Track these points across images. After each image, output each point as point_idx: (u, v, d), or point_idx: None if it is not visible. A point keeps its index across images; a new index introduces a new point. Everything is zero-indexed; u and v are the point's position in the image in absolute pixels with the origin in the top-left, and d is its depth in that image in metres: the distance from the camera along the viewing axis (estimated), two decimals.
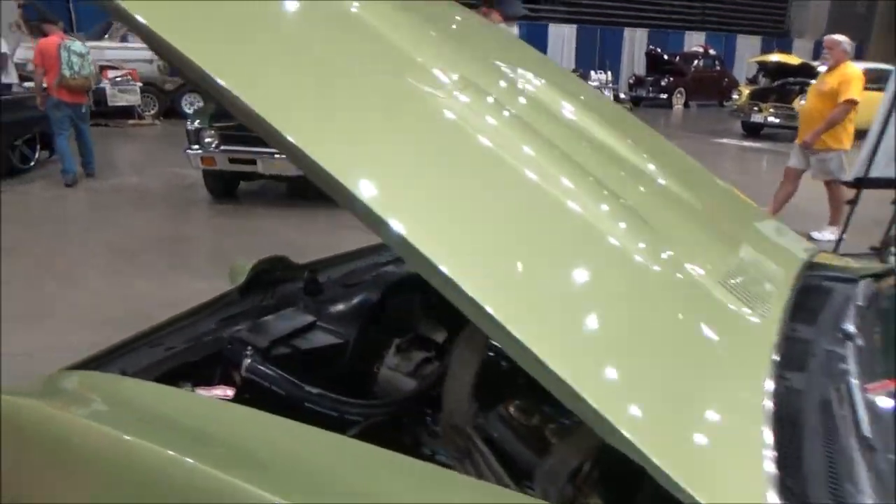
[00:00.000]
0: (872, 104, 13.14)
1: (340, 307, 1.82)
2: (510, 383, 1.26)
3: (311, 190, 6.94)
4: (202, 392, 1.53)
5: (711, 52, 19.70)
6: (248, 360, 1.56)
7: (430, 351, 1.71)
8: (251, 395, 1.58)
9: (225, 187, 6.99)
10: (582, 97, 1.83)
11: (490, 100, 1.40)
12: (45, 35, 7.37)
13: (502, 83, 1.58)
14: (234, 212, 6.70)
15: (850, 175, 5.27)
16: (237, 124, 6.50)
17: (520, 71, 1.67)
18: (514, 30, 3.67)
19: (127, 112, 12.04)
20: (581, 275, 1.10)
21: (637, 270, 1.14)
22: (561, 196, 1.23)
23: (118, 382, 1.48)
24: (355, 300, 1.85)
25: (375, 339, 1.85)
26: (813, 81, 6.54)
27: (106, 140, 8.50)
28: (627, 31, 21.15)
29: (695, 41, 21.77)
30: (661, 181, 1.62)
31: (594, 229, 1.20)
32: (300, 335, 1.72)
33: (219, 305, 1.95)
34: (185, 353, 1.63)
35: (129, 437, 1.30)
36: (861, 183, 5.21)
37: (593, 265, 1.13)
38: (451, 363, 1.13)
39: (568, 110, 1.65)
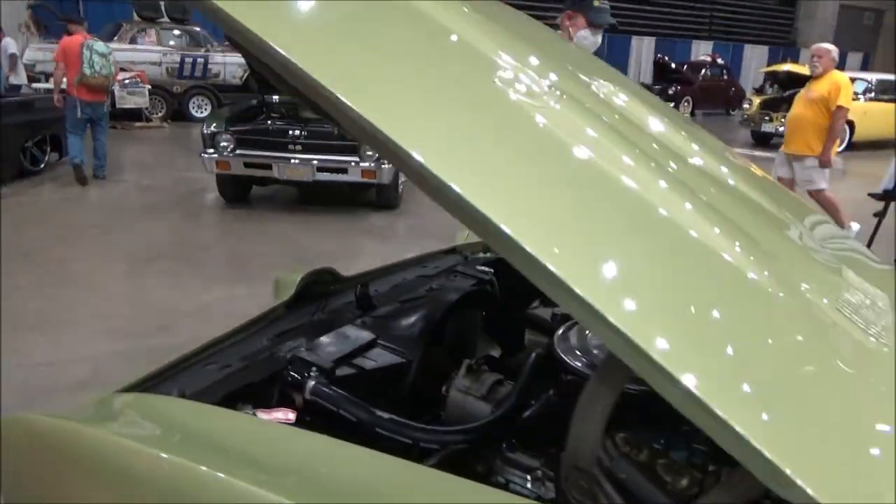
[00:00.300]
0: (882, 115, 13.14)
1: (401, 324, 1.72)
2: (643, 420, 1.16)
3: (323, 196, 6.90)
4: (263, 415, 1.43)
5: (719, 61, 19.66)
6: (313, 382, 1.46)
7: (500, 372, 1.61)
8: (313, 418, 1.48)
9: (238, 192, 6.90)
10: (661, 109, 1.73)
11: (585, 109, 1.31)
12: (69, 34, 7.37)
13: (594, 94, 1.49)
14: (248, 217, 6.61)
15: (880, 187, 5.19)
16: (253, 128, 6.42)
17: (603, 82, 1.57)
18: (598, 38, 3.57)
19: (135, 114, 11.96)
20: (712, 298, 1.00)
21: (763, 296, 1.04)
22: (675, 211, 1.13)
23: (176, 405, 1.37)
24: (414, 317, 1.75)
25: (439, 358, 1.75)
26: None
27: (115, 142, 8.41)
28: (635, 40, 21.12)
29: (702, 50, 21.75)
30: (752, 195, 1.53)
31: (713, 249, 1.10)
32: (362, 354, 1.61)
33: (268, 321, 1.84)
34: (243, 373, 1.53)
35: (192, 464, 1.20)
36: (889, 195, 5.14)
37: (721, 288, 1.03)
38: (581, 399, 1.03)
39: (654, 123, 1.56)
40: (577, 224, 1.00)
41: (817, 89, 5.89)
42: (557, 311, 1.80)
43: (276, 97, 7.04)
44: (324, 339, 1.65)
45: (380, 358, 1.61)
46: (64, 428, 1.31)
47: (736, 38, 23.27)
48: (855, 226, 5.97)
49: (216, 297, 4.43)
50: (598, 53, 3.19)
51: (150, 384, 1.49)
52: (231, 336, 1.73)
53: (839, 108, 5.80)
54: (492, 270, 2.19)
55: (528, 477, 1.41)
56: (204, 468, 1.18)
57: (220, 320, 4.24)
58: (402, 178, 6.89)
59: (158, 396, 1.42)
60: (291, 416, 1.45)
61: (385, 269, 2.27)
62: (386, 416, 1.40)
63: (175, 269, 5.00)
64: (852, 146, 12.76)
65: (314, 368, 1.48)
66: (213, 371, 1.56)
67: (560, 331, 1.62)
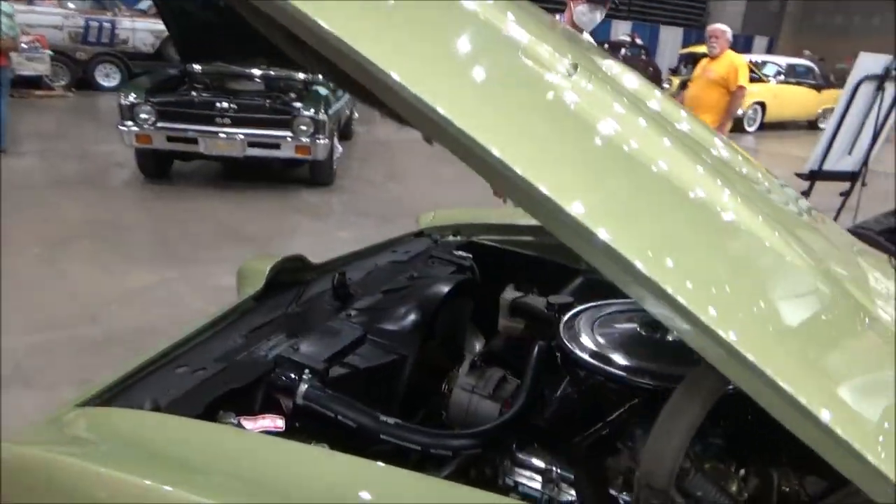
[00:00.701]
0: (792, 97, 13.78)
1: (391, 318, 1.59)
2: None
3: (251, 172, 6.55)
4: (248, 423, 1.27)
5: (638, 41, 20.09)
6: (306, 386, 1.31)
7: (504, 367, 1.51)
8: (304, 424, 1.34)
9: (160, 167, 6.45)
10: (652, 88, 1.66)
11: (611, 90, 1.22)
12: None
13: (609, 76, 1.39)
14: (172, 194, 6.20)
15: (805, 167, 5.40)
16: (177, 99, 6.00)
17: (610, 64, 1.49)
18: (596, 15, 3.51)
19: (34, 82, 11.00)
20: (791, 297, 0.93)
21: (833, 295, 0.98)
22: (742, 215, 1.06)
23: (150, 421, 1.20)
24: (404, 309, 1.62)
25: (433, 353, 1.63)
26: None
27: (13, 112, 7.67)
28: (557, 17, 21.27)
29: (622, 30, 22.17)
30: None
31: (777, 252, 1.03)
32: (353, 351, 1.47)
33: (237, 315, 1.67)
34: (222, 377, 1.36)
35: (179, 493, 1.05)
36: (814, 175, 5.36)
37: (794, 288, 0.96)
38: (663, 412, 0.94)
39: (652, 102, 1.49)
40: (662, 226, 0.91)
41: (716, 70, 5.97)
42: (554, 299, 1.71)
43: (198, 66, 6.59)
44: (309, 335, 1.50)
45: (373, 355, 1.48)
46: (20, 454, 1.11)
47: (653, 19, 23.86)
48: None
49: (145, 282, 4.12)
50: None
51: (115, 393, 1.30)
52: (199, 334, 1.54)
53: (740, 87, 5.91)
54: (470, 255, 2.08)
55: (540, 479, 1.33)
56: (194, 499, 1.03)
57: (151, 307, 3.97)
58: (336, 155, 6.65)
59: (128, 411, 1.23)
60: (280, 423, 1.30)
61: (355, 255, 2.12)
62: (391, 420, 1.27)
63: (95, 251, 4.62)
64: (764, 126, 13.36)
65: (307, 370, 1.33)
66: (185, 376, 1.38)
67: (564, 320, 1.53)
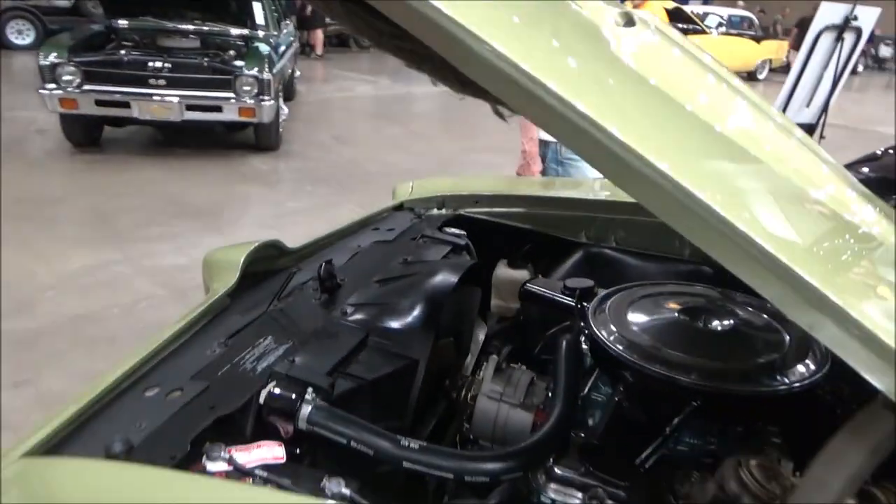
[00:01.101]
0: (733, 48, 13.92)
1: (394, 314, 1.38)
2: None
3: (190, 137, 6.11)
4: (241, 456, 1.06)
5: None
6: (309, 408, 1.10)
7: (529, 367, 1.33)
8: (306, 450, 1.14)
9: (88, 134, 5.94)
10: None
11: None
12: None
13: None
14: (104, 164, 5.72)
15: None
16: (104, 59, 5.49)
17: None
18: None
19: None
20: None
21: None
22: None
23: (113, 474, 0.97)
24: (408, 303, 1.41)
25: (446, 352, 1.44)
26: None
27: None
28: None
29: None
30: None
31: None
32: (355, 359, 1.26)
33: (210, 316, 1.42)
34: (204, 401, 1.13)
35: None
36: None
37: None
38: (817, 462, 0.77)
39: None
40: None
41: None
42: (572, 283, 1.53)
43: (124, 22, 6.04)
44: (301, 341, 1.28)
45: (380, 363, 1.27)
46: None
47: None
48: None
49: (82, 265, 3.76)
50: None
51: (71, 432, 1.06)
52: (168, 344, 1.30)
53: None
54: (464, 233, 1.88)
55: (581, 496, 1.16)
56: None
57: (92, 292, 3.62)
58: (282, 117, 6.26)
59: (88, 463, 0.99)
60: (280, 451, 1.09)
61: (333, 236, 1.88)
62: (414, 444, 1.08)
63: (21, 230, 4.19)
64: None
65: (309, 389, 1.11)
66: (158, 401, 1.14)
67: (592, 309, 1.35)
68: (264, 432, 1.14)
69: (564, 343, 1.32)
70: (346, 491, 0.99)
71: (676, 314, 1.33)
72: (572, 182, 2.17)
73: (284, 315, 1.43)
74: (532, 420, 1.20)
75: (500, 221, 2.07)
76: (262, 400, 1.12)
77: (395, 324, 1.36)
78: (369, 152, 6.64)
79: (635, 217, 1.97)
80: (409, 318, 1.36)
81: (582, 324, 1.41)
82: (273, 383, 1.13)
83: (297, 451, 1.13)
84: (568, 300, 1.50)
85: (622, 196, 2.03)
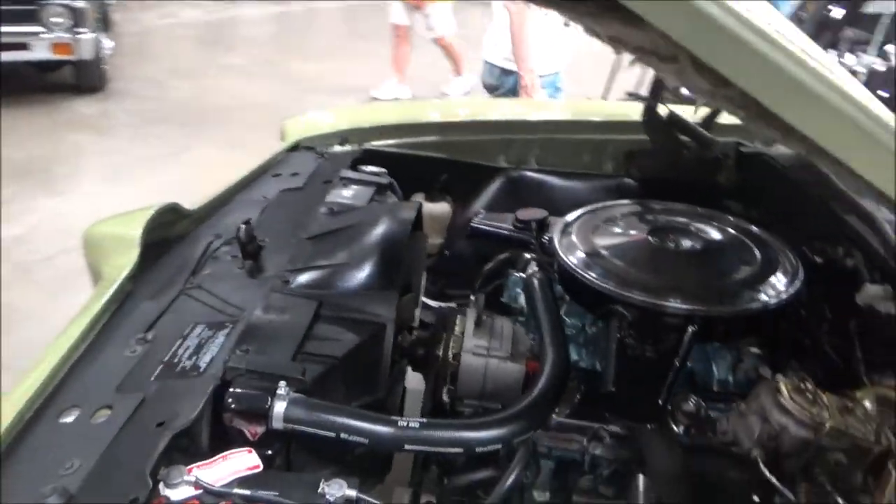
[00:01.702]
0: None
1: (346, 275, 1.20)
2: None
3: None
4: (207, 473, 0.87)
5: None
6: (285, 403, 0.93)
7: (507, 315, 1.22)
8: (276, 450, 0.97)
9: None
10: None
11: None
12: None
13: None
14: None
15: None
16: None
17: None
18: None
19: None
20: None
21: None
22: None
23: None
24: (357, 259, 1.24)
25: (407, 311, 1.29)
26: None
27: None
28: None
29: None
30: None
31: None
32: (316, 335, 1.08)
33: (116, 305, 1.17)
34: (146, 417, 0.91)
35: None
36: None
37: None
38: None
39: None
40: None
41: None
42: (524, 215, 1.42)
43: None
44: (247, 323, 1.07)
45: (345, 334, 1.11)
46: None
47: None
48: (467, 78, 5.79)
49: None
50: None
51: None
52: (72, 351, 1.05)
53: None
54: (384, 170, 1.70)
55: (583, 439, 1.11)
56: None
57: None
58: (105, 51, 5.47)
59: None
60: (254, 460, 0.92)
61: (230, 190, 1.63)
62: (414, 422, 0.95)
63: None
64: None
65: (281, 382, 0.94)
66: (80, 426, 0.91)
67: (557, 241, 1.26)
68: (224, 440, 0.95)
69: (537, 283, 1.22)
70: (350, 492, 0.85)
71: (647, 237, 1.27)
72: (484, 104, 2.04)
73: (208, 293, 1.20)
74: (524, 371, 1.11)
75: (412, 153, 1.91)
76: (226, 404, 0.93)
77: (349, 285, 1.19)
78: (212, 84, 6.03)
79: (554, 135, 1.89)
80: (364, 277, 1.20)
81: (546, 258, 1.33)
82: (235, 382, 0.94)
83: (269, 452, 0.96)
84: (524, 235, 1.40)
85: (538, 115, 1.96)
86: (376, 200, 1.56)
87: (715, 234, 1.30)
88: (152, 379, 0.99)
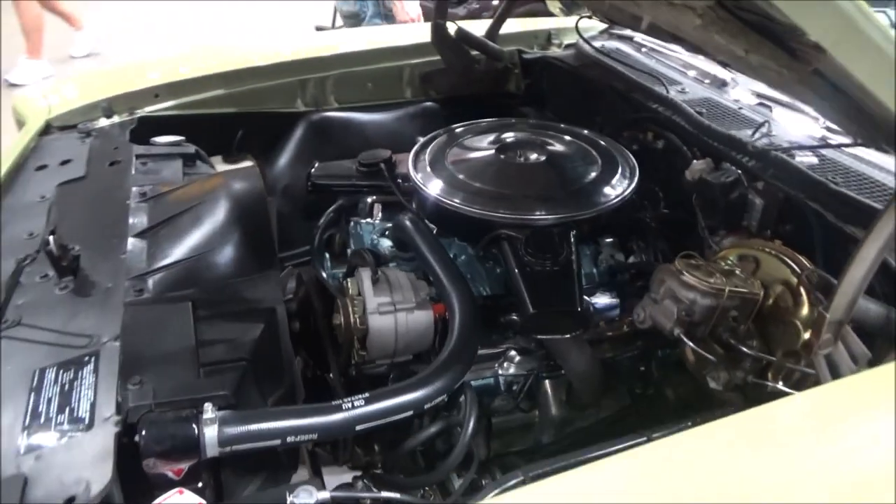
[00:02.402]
0: None
1: (208, 264, 1.04)
2: None
3: None
4: None
5: None
6: (215, 427, 0.81)
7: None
8: (206, 480, 0.86)
9: None
10: None
11: None
12: None
13: None
14: None
15: None
16: None
17: None
18: None
19: None
20: None
21: None
22: None
23: None
24: (215, 245, 1.08)
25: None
26: None
27: None
28: None
29: None
30: None
31: None
32: (209, 340, 0.94)
33: None
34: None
35: None
36: None
37: None
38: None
39: None
40: None
41: None
42: (365, 158, 1.36)
43: None
44: (120, 350, 0.90)
45: (238, 330, 0.98)
46: None
47: None
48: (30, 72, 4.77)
49: None
50: None
51: None
52: None
53: None
54: (182, 138, 1.49)
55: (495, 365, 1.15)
56: None
57: None
58: None
59: None
60: (192, 498, 0.81)
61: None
62: (358, 400, 0.90)
63: None
64: None
65: (206, 404, 0.81)
66: None
67: (416, 181, 1.24)
68: (140, 489, 0.81)
69: (411, 224, 1.18)
70: (323, 495, 0.78)
71: (495, 154, 1.30)
72: (269, 48, 1.84)
73: (36, 329, 0.97)
74: (432, 315, 1.09)
75: (198, 112, 1.69)
76: (144, 450, 0.78)
77: (219, 274, 1.04)
78: None
79: (349, 69, 1.80)
80: (235, 261, 1.06)
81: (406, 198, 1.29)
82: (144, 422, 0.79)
83: (199, 484, 0.85)
84: (375, 181, 1.34)
85: (330, 49, 1.83)
86: (189, 174, 1.37)
87: (554, 144, 1.36)
88: (22, 452, 0.78)
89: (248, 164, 1.77)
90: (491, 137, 1.37)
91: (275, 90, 1.75)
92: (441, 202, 1.17)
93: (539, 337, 1.10)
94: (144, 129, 1.57)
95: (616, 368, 1.20)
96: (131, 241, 1.11)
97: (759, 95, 1.46)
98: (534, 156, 1.30)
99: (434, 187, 1.21)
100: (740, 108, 1.40)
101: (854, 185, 1.08)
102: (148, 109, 1.65)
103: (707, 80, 1.56)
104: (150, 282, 1.01)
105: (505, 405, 1.17)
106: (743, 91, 1.50)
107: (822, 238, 1.04)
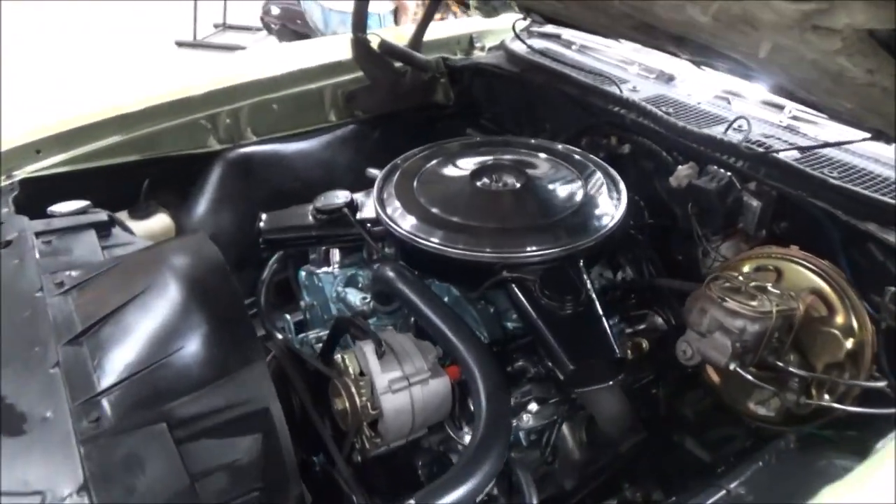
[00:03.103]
0: None
1: (173, 366, 0.84)
2: None
3: None
4: None
5: None
6: None
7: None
8: None
9: None
10: None
11: None
12: None
13: None
14: None
15: None
16: None
17: None
18: None
19: None
20: None
21: None
22: None
23: None
24: (177, 337, 0.88)
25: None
26: None
27: None
28: None
29: None
30: None
31: None
32: (201, 469, 0.75)
33: None
34: None
35: None
36: None
37: None
38: None
39: None
40: None
41: None
42: (324, 205, 1.17)
43: None
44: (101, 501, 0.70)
45: (233, 448, 0.80)
46: None
47: None
48: None
49: None
50: None
51: None
52: None
53: None
54: (88, 203, 1.25)
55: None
56: None
57: None
58: None
59: None
60: None
61: None
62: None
63: None
64: None
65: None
66: None
67: (391, 221, 1.09)
68: None
69: (394, 273, 1.03)
70: None
71: (463, 186, 1.16)
72: (165, 82, 1.58)
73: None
74: (449, 381, 0.94)
75: (91, 166, 1.43)
76: None
77: (190, 381, 0.84)
78: None
79: (265, 96, 1.60)
80: (203, 362, 0.86)
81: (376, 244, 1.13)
82: None
83: None
84: (335, 230, 1.17)
85: (242, 76, 1.61)
86: (108, 248, 1.14)
87: (527, 163, 1.24)
88: None
89: (160, 217, 1.53)
90: (459, 162, 1.23)
91: (181, 129, 1.52)
92: (430, 247, 1.02)
93: (579, 391, 0.99)
94: (30, 195, 1.31)
95: (631, 396, 1.12)
96: (63, 351, 0.88)
97: (712, 88, 1.42)
98: (510, 179, 1.17)
99: (410, 227, 1.06)
100: (699, 104, 1.36)
101: (851, 179, 1.05)
102: (30, 169, 1.38)
103: (653, 76, 1.51)
104: (106, 405, 0.80)
105: (525, 457, 1.05)
106: (693, 85, 1.46)
107: (840, 238, 0.99)
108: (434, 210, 1.10)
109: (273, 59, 1.75)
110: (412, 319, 1.09)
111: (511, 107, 1.67)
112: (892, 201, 0.98)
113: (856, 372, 0.92)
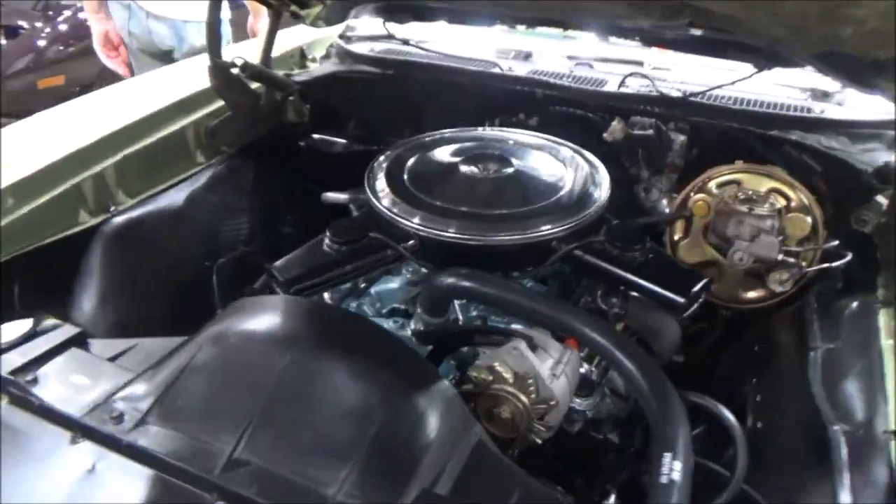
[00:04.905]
0: None
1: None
2: None
3: None
4: None
5: None
6: None
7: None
8: None
9: None
10: None
11: None
12: None
13: None
14: None
15: None
16: None
17: None
18: None
19: None
20: None
21: None
22: None
23: None
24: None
25: None
26: None
27: None
28: None
29: None
30: None
31: None
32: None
33: None
34: None
35: None
36: None
37: None
38: None
39: None
40: None
41: None
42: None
43: None
44: None
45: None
46: None
47: None
48: None
49: None
50: None
51: None
52: None
53: None
54: None
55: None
56: None
57: None
58: None
59: None
60: None
61: None
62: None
63: None
64: None
65: None
66: None
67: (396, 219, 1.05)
68: None
69: (466, 278, 0.99)
70: None
71: (459, 171, 1.16)
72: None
73: None
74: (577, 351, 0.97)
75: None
76: None
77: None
78: None
79: (130, 149, 1.33)
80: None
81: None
82: None
83: None
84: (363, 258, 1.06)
85: (97, 131, 1.29)
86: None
87: (501, 152, 1.26)
88: None
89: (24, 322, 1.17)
90: (446, 156, 1.23)
91: (42, 212, 1.18)
92: (485, 242, 1.02)
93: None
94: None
95: None
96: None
97: (569, 58, 1.63)
98: (498, 166, 1.20)
99: (454, 230, 1.04)
100: (572, 71, 1.55)
101: (743, 105, 1.33)
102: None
103: (511, 55, 1.65)
104: None
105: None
106: (551, 57, 1.64)
107: (762, 147, 1.27)
108: (463, 208, 1.08)
109: (124, 101, 1.45)
110: None
111: (387, 108, 1.65)
112: (787, 112, 1.29)
113: (817, 240, 1.20)
